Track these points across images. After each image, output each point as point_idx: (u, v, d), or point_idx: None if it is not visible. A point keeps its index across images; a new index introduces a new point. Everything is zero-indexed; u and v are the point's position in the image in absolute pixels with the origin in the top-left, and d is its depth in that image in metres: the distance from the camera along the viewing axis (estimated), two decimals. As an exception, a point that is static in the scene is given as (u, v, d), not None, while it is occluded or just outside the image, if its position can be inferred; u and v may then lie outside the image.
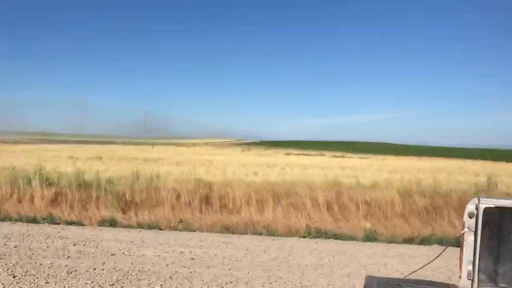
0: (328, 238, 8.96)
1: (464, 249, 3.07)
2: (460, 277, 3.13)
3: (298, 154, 60.18)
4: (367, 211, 11.38)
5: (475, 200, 3.03)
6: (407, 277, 3.19)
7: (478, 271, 3.03)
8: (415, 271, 4.08)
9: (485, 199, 3.01)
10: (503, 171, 27.39)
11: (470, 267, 3.06)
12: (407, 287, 2.93)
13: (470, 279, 3.07)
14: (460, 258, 3.12)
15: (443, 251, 3.57)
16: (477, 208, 3.00)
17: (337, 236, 9.07)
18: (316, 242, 8.53)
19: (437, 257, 3.59)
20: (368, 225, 10.11)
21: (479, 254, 3.02)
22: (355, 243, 8.63)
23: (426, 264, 3.91)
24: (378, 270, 6.66)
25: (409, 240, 8.84)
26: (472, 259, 3.05)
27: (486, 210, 2.97)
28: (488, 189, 14.24)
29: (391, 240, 8.90)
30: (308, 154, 61.02)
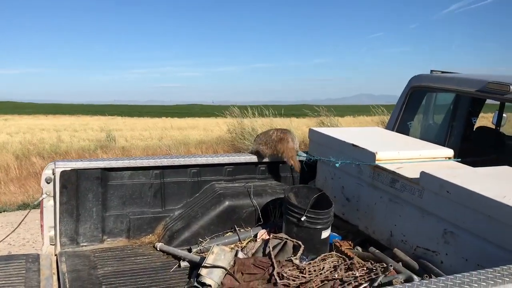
0: None
1: (45, 215, 3.00)
2: (43, 244, 3.05)
3: None
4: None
5: (52, 165, 2.96)
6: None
7: (60, 235, 3.02)
8: (1, 241, 3.78)
9: (61, 163, 2.98)
10: (126, 125, 29.63)
11: (52, 233, 3.02)
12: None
13: (52, 244, 3.03)
14: (42, 225, 3.03)
15: (25, 215, 3.40)
16: (54, 173, 2.94)
17: None
18: None
19: (19, 223, 3.40)
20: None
21: (60, 218, 3.00)
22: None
23: (10, 234, 3.68)
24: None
25: (23, 206, 8.33)
26: (53, 224, 3.01)
27: (63, 173, 2.95)
28: (108, 144, 15.02)
29: (3, 209, 8.16)
30: None
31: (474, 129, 4.43)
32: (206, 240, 3.12)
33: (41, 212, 3.01)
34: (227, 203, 3.24)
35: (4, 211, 8.03)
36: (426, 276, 2.29)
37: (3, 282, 2.53)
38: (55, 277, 2.74)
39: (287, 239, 2.83)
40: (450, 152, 3.12)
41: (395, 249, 2.67)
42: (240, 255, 2.77)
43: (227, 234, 3.21)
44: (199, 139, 16.41)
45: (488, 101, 4.18)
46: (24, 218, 3.47)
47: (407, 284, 1.67)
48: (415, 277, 2.34)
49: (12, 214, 7.81)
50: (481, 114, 4.62)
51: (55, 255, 3.01)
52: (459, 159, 3.10)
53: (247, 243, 3.06)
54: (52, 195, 2.97)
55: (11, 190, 9.55)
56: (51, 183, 2.96)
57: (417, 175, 2.58)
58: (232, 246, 3.05)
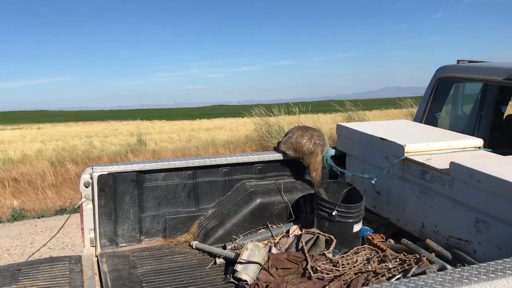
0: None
1: (84, 218, 3.13)
2: (83, 245, 3.19)
3: None
4: (15, 188, 10.47)
5: (89, 170, 3.09)
6: (31, 257, 3.05)
7: (100, 236, 3.15)
8: (41, 247, 3.96)
9: (98, 167, 3.11)
10: (154, 129, 30.09)
11: (92, 235, 3.15)
12: (28, 269, 2.77)
13: (93, 246, 3.16)
14: (82, 228, 3.17)
15: (66, 220, 3.56)
16: (91, 177, 3.07)
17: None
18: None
19: (60, 228, 3.55)
20: (15, 203, 9.30)
21: (99, 221, 3.13)
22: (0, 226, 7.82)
23: (52, 237, 3.85)
24: (24, 250, 6.24)
25: (60, 211, 8.62)
26: (92, 227, 3.14)
27: (101, 177, 3.08)
28: (139, 148, 15.33)
29: (41, 215, 8.47)
30: None
31: (504, 118, 4.37)
32: (239, 237, 3.20)
33: (81, 215, 3.15)
34: (258, 200, 3.31)
35: (42, 217, 8.33)
36: (459, 265, 2.30)
37: (49, 283, 2.66)
38: (97, 277, 2.87)
39: (319, 233, 2.88)
40: (479, 141, 3.10)
41: (428, 240, 2.69)
42: (274, 250, 2.84)
43: (259, 231, 3.29)
44: (227, 139, 16.56)
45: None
46: (65, 222, 3.64)
47: (441, 272, 1.71)
48: (448, 266, 2.35)
49: (51, 220, 8.10)
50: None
51: (96, 256, 3.14)
52: (489, 149, 3.08)
53: (279, 239, 3.13)
54: (91, 198, 3.11)
55: (48, 196, 9.89)
56: (89, 187, 3.09)
57: (447, 166, 2.59)
58: (265, 242, 3.11)
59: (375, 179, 3.06)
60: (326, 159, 3.49)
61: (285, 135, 3.58)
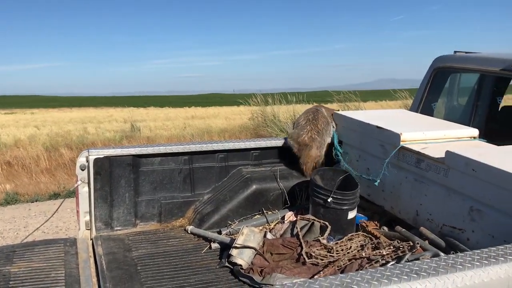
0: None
1: (80, 201, 3.13)
2: (79, 228, 3.19)
3: None
4: (9, 172, 10.44)
5: (85, 153, 3.09)
6: (24, 240, 3.06)
7: (95, 220, 3.15)
8: (34, 230, 3.96)
9: (94, 150, 3.10)
10: (149, 116, 29.98)
11: (88, 218, 3.16)
12: (23, 251, 2.77)
13: (88, 229, 3.17)
14: (77, 211, 3.17)
15: (60, 204, 3.57)
16: (87, 160, 3.07)
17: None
18: None
19: (56, 210, 3.55)
20: (8, 187, 9.27)
21: (94, 204, 3.13)
22: (-7, 209, 7.79)
23: (47, 220, 3.86)
24: (17, 234, 6.23)
25: (54, 196, 8.60)
26: (88, 210, 3.14)
27: (97, 160, 3.07)
28: (133, 135, 15.29)
29: (35, 199, 8.45)
30: None
31: (499, 109, 4.39)
32: (235, 222, 3.22)
33: (77, 198, 3.15)
34: (254, 186, 3.32)
35: (36, 201, 8.31)
36: (453, 253, 2.33)
37: (44, 264, 2.67)
38: (92, 259, 2.88)
39: (314, 220, 2.90)
40: (475, 131, 3.12)
41: (421, 227, 2.71)
42: (269, 236, 2.86)
43: (255, 217, 3.30)
44: (222, 127, 16.55)
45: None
46: (59, 206, 3.64)
47: (435, 258, 1.73)
48: (441, 254, 2.38)
49: (45, 204, 8.08)
50: (508, 96, 4.58)
51: (91, 239, 3.15)
52: (484, 139, 3.10)
53: (275, 225, 3.15)
54: (87, 181, 3.10)
55: (42, 180, 9.87)
56: (85, 170, 3.08)
57: (442, 155, 2.60)
58: (260, 228, 3.13)
59: (378, 181, 3.07)
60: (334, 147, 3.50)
61: (296, 121, 3.59)
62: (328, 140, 3.50)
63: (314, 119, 3.49)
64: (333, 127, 3.57)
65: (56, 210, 3.63)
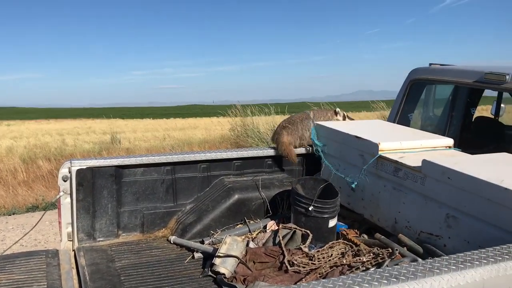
0: None
1: (62, 212, 3.11)
2: (61, 240, 3.17)
3: None
4: (-14, 185, 10.22)
5: (68, 164, 3.08)
6: (3, 254, 3.01)
7: (77, 231, 3.14)
8: (14, 243, 3.91)
9: (77, 161, 3.10)
10: (128, 127, 29.74)
11: (70, 229, 3.14)
12: (3, 263, 2.74)
13: (70, 240, 3.15)
14: (59, 222, 3.15)
15: (42, 216, 3.53)
16: (70, 171, 3.06)
17: None
18: None
19: (36, 223, 3.52)
20: (-15, 200, 9.07)
21: (77, 215, 3.12)
22: (-32, 223, 7.61)
23: (27, 233, 3.81)
24: (-6, 247, 6.11)
25: (32, 208, 8.46)
26: (70, 221, 3.13)
27: (79, 171, 3.07)
28: (113, 146, 15.14)
29: (12, 212, 8.29)
30: None
31: (473, 119, 4.54)
32: (217, 232, 3.24)
33: (59, 209, 3.13)
34: (236, 196, 3.36)
35: (13, 214, 8.15)
36: (430, 258, 2.40)
37: (25, 276, 2.64)
38: (74, 270, 2.86)
39: (296, 228, 2.95)
40: (450, 141, 3.23)
41: (400, 234, 2.79)
42: (251, 245, 2.89)
43: (237, 226, 3.33)
44: (202, 138, 16.53)
45: (489, 93, 4.29)
46: (40, 219, 3.59)
47: (413, 263, 1.79)
48: (420, 260, 2.45)
49: (22, 217, 7.94)
50: (481, 107, 4.73)
51: (73, 250, 3.13)
52: (459, 149, 3.21)
53: (257, 234, 3.18)
54: (69, 192, 3.09)
55: (19, 193, 9.67)
56: (68, 181, 3.08)
57: (419, 164, 2.69)
58: (243, 237, 3.16)
59: (356, 183, 3.15)
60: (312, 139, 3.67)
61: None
62: (306, 132, 3.69)
63: (290, 117, 3.80)
64: (313, 123, 3.74)
65: (37, 222, 3.58)
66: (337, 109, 4.05)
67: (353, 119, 4.11)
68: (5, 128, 32.27)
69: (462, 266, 1.75)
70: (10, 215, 8.11)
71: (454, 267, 1.74)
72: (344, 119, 4.00)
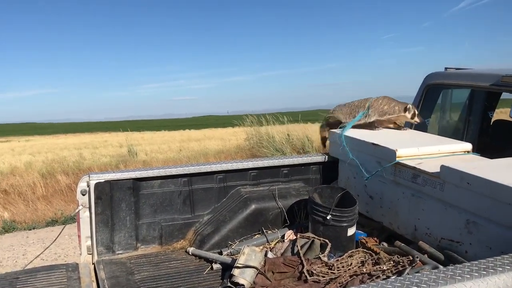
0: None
1: (81, 226, 3.15)
2: (80, 253, 3.20)
3: None
4: (6, 200, 10.38)
5: (86, 178, 3.12)
6: (25, 268, 3.05)
7: (97, 244, 3.17)
8: (35, 258, 3.96)
9: (95, 175, 3.14)
10: (144, 140, 29.98)
11: (89, 242, 3.17)
12: (25, 277, 2.78)
13: (90, 254, 3.18)
14: (79, 236, 3.18)
15: (61, 230, 3.58)
16: (88, 185, 3.10)
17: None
18: None
19: (56, 237, 3.56)
20: (6, 215, 9.22)
21: (96, 228, 3.15)
22: (-10, 238, 7.74)
23: (47, 248, 3.86)
24: (16, 262, 6.19)
25: (52, 223, 8.57)
26: (89, 234, 3.16)
27: (97, 185, 3.11)
28: (130, 159, 15.28)
29: (32, 226, 8.41)
30: None
31: (491, 123, 4.48)
32: (235, 242, 3.24)
33: (78, 223, 3.16)
34: (253, 206, 3.36)
35: (33, 228, 8.27)
36: (452, 265, 2.36)
37: (47, 290, 2.68)
38: (94, 283, 2.88)
39: (314, 237, 2.93)
40: (468, 146, 3.19)
41: (420, 242, 2.75)
42: (270, 255, 2.88)
43: (255, 236, 3.33)
44: (218, 149, 16.58)
45: (507, 96, 4.23)
46: (60, 233, 3.65)
47: (434, 270, 1.77)
48: (441, 267, 2.41)
49: (42, 231, 8.05)
50: (499, 109, 4.67)
51: (93, 263, 3.16)
52: (478, 153, 3.16)
53: (275, 244, 3.17)
54: (88, 206, 3.13)
55: (39, 207, 9.81)
56: (86, 195, 3.11)
57: (438, 169, 2.66)
58: (261, 247, 3.15)
59: (369, 177, 3.13)
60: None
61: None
62: (353, 117, 3.72)
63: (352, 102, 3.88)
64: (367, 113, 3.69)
65: (57, 237, 3.63)
66: (409, 105, 3.68)
67: (421, 121, 3.76)
68: (24, 143, 32.86)
69: (485, 272, 1.72)
70: (30, 229, 8.23)
71: (476, 274, 1.71)
72: (412, 118, 3.67)
